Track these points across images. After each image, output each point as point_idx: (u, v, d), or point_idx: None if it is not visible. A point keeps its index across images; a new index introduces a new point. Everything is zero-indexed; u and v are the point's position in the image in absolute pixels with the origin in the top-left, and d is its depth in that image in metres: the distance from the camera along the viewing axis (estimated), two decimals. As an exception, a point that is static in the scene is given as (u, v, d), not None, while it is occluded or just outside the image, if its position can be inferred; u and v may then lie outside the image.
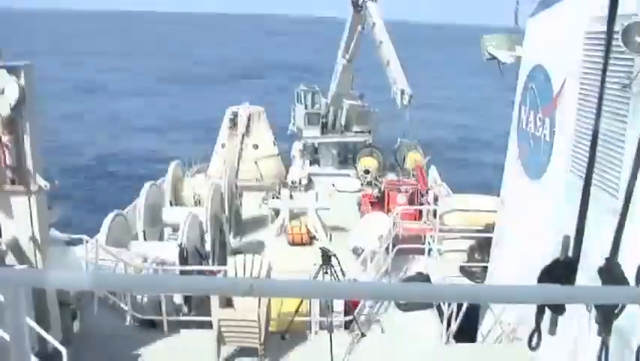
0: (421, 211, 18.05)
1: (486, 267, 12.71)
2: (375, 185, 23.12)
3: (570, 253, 3.50)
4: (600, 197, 6.89)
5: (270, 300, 10.11)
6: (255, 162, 23.33)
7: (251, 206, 20.55)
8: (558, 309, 3.33)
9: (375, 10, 21.65)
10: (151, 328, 11.16)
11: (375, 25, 21.39)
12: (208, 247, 14.47)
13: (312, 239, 18.06)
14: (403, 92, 19.58)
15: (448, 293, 2.50)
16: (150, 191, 15.45)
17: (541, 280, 3.43)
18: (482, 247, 13.32)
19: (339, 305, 11.53)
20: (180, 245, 12.57)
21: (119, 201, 17.91)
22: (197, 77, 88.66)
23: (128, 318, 11.09)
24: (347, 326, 11.55)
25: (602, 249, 3.44)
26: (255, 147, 23.58)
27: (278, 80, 74.58)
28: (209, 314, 10.22)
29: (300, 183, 23.33)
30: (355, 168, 25.49)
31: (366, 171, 24.49)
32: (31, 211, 8.68)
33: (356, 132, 26.53)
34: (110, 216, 13.09)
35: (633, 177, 3.35)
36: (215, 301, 9.85)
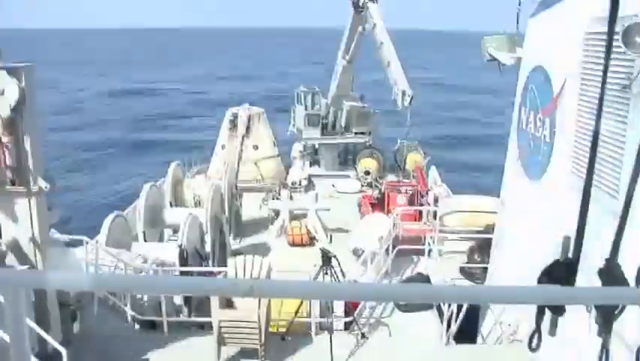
0: (421, 212, 18.05)
1: (486, 268, 12.71)
2: (376, 186, 23.12)
3: (570, 254, 3.50)
4: (600, 198, 6.89)
5: (270, 301, 10.11)
6: (255, 163, 23.33)
7: (251, 207, 20.55)
8: (558, 310, 3.32)
9: (376, 11, 21.62)
10: (151, 329, 11.16)
11: (376, 26, 21.37)
12: (208, 248, 14.46)
13: (312, 240, 18.06)
14: (403, 93, 19.57)
15: (448, 294, 2.50)
16: (150, 192, 15.44)
17: (541, 281, 3.43)
18: (482, 247, 13.32)
19: (339, 306, 11.53)
20: (180, 246, 12.57)
21: (119, 202, 17.91)
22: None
23: (129, 319, 11.08)
24: (347, 327, 11.54)
25: (602, 250, 3.43)
26: (255, 148, 23.59)
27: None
28: (209, 315, 10.22)
29: (300, 184, 23.33)
30: (355, 169, 25.48)
31: (367, 172, 24.48)
32: (31, 212, 8.68)
33: (356, 133, 26.50)
34: (110, 217, 13.08)
35: (633, 178, 3.35)
36: (215, 302, 9.85)
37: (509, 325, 10.45)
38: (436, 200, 18.49)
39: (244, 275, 10.41)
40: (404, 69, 20.33)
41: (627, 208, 3.44)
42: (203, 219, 14.54)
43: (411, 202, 19.05)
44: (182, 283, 2.39)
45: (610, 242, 3.44)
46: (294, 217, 18.99)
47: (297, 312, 10.92)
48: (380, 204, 19.59)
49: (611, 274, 3.36)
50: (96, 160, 41.55)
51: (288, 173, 24.33)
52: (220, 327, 9.75)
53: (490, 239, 12.75)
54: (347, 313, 11.57)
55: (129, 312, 11.05)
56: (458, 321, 10.88)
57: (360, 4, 22.27)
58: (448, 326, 10.86)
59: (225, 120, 24.03)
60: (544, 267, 3.44)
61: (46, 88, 61.76)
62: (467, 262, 13.56)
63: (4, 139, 8.36)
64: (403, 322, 11.95)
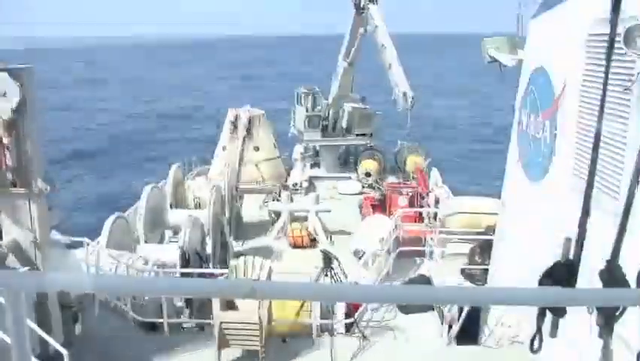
0: (422, 214, 18.04)
1: (487, 269, 12.69)
2: (377, 188, 23.11)
3: (571, 256, 3.50)
4: (601, 199, 6.88)
5: (271, 303, 10.11)
6: (256, 165, 23.30)
7: (252, 209, 20.56)
8: (559, 312, 3.32)
9: (377, 13, 21.65)
10: (152, 330, 11.15)
11: (377, 28, 21.39)
12: (209, 249, 14.47)
13: (312, 242, 18.05)
14: (404, 95, 19.59)
15: (450, 296, 2.50)
16: (151, 194, 15.45)
17: (542, 282, 3.43)
18: (483, 249, 13.30)
19: (340, 308, 11.53)
20: (181, 248, 12.58)
21: (120, 203, 17.93)
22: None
23: (130, 320, 11.08)
24: (348, 328, 11.53)
25: (603, 251, 3.43)
26: (256, 149, 23.54)
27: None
28: (210, 317, 10.22)
29: (300, 186, 23.33)
30: (356, 170, 25.47)
31: (368, 174, 24.47)
32: (31, 214, 8.68)
33: (357, 135, 26.49)
34: (111, 218, 13.09)
35: (635, 180, 3.34)
36: (216, 303, 9.84)
37: (510, 326, 10.44)
38: (437, 201, 18.50)
39: (245, 277, 10.41)
40: (405, 71, 20.37)
41: (628, 210, 3.43)
42: (204, 221, 14.54)
43: (412, 204, 19.05)
44: (183, 285, 2.39)
45: (611, 244, 3.43)
46: (294, 219, 18.99)
47: (298, 314, 10.92)
48: (381, 205, 19.60)
49: (611, 275, 3.36)
50: (97, 161, 41.56)
51: (288, 175, 24.32)
52: (221, 329, 9.75)
53: (491, 241, 12.73)
54: (348, 315, 11.56)
55: (130, 314, 11.05)
56: (459, 323, 10.87)
57: (362, 5, 22.29)
58: (450, 327, 10.85)
59: (226, 122, 24.02)
60: (545, 268, 3.44)
61: (46, 88, 61.80)
62: (468, 264, 13.54)
63: (5, 140, 8.38)
64: (405, 323, 11.95)
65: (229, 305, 10.15)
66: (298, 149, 26.20)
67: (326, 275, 10.87)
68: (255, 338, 9.75)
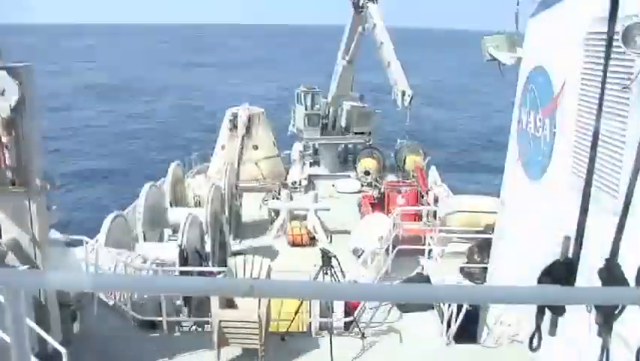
0: (421, 212, 18.05)
1: (486, 268, 12.71)
2: (376, 186, 23.12)
3: (570, 254, 3.50)
4: (600, 198, 6.89)
5: (270, 301, 10.12)
6: (255, 163, 23.32)
7: (251, 207, 20.55)
8: (558, 310, 3.32)
9: (376, 12, 21.65)
10: (151, 329, 11.16)
11: (376, 26, 21.39)
12: (208, 248, 14.46)
13: (312, 240, 18.06)
14: (403, 94, 19.60)
15: (448, 294, 2.50)
16: (150, 192, 15.44)
17: (541, 280, 3.43)
18: (482, 247, 13.31)
19: (339, 306, 11.53)
20: (180, 246, 12.57)
21: (119, 202, 17.91)
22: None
23: (129, 319, 11.08)
24: (347, 327, 11.54)
25: (602, 250, 3.43)
26: (255, 147, 23.57)
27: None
28: (209, 315, 10.22)
29: (300, 184, 23.33)
30: (355, 169, 25.48)
31: (367, 172, 24.48)
32: (31, 212, 8.68)
33: (356, 133, 26.51)
34: (110, 217, 13.08)
35: (633, 178, 3.34)
36: (215, 302, 9.85)
37: (509, 325, 10.45)
38: (436, 200, 18.51)
39: (244, 275, 10.42)
40: (404, 69, 20.37)
41: (627, 208, 3.43)
42: (203, 220, 14.54)
43: (411, 202, 19.05)
44: (182, 283, 2.39)
45: (610, 242, 3.43)
46: (294, 217, 18.99)
47: (297, 312, 10.93)
48: (380, 204, 19.60)
49: (611, 274, 3.36)
50: (96, 160, 41.54)
51: (288, 173, 24.32)
52: (220, 327, 9.75)
53: (490, 239, 12.74)
54: (347, 314, 11.57)
55: (129, 312, 11.05)
56: (458, 321, 10.88)
57: (360, 4, 22.30)
58: (448, 326, 10.86)
59: (225, 120, 24.03)
60: (544, 267, 3.44)
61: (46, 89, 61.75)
62: (467, 262, 13.55)
63: (4, 139, 8.37)
64: (403, 322, 11.95)
65: (228, 304, 10.16)
66: (297, 147, 26.21)
67: (325, 274, 10.87)
68: (254, 336, 9.76)
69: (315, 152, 27.33)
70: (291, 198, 20.36)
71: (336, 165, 26.79)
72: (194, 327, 11.87)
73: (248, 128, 23.51)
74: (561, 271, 3.43)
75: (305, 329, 11.21)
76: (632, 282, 3.37)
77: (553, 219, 8.38)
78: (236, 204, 19.04)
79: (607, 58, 3.59)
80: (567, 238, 3.51)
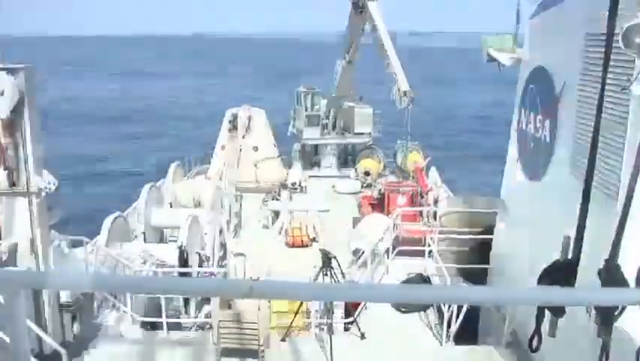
0: (421, 213, 18.03)
1: (486, 268, 12.70)
2: (375, 187, 23.11)
3: (570, 255, 3.50)
4: (600, 199, 6.89)
5: (270, 302, 10.11)
6: (255, 164, 23.32)
7: (251, 208, 20.54)
8: (558, 311, 3.33)
9: (376, 11, 21.62)
10: (151, 329, 11.15)
11: (377, 26, 21.39)
12: (208, 248, 14.46)
13: (311, 241, 18.04)
14: (403, 94, 19.59)
15: (448, 295, 2.50)
16: (150, 193, 15.43)
17: (541, 281, 3.43)
18: (482, 248, 13.30)
19: (339, 307, 11.52)
20: (180, 247, 12.56)
21: (119, 203, 17.89)
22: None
23: (128, 319, 11.08)
24: (347, 327, 11.53)
25: (602, 251, 3.44)
26: (255, 148, 23.57)
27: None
28: (209, 316, 10.21)
29: (300, 185, 23.32)
30: (355, 169, 25.46)
31: (367, 173, 24.46)
32: (31, 213, 8.68)
33: (356, 134, 26.50)
34: (110, 217, 13.08)
35: (633, 180, 3.35)
36: (215, 303, 9.86)
37: (508, 325, 10.44)
38: (436, 201, 18.49)
39: (244, 276, 10.42)
40: (404, 69, 20.36)
41: (627, 209, 3.44)
42: (203, 220, 14.53)
43: (411, 203, 19.05)
44: (182, 284, 2.39)
45: (609, 243, 3.44)
46: (293, 218, 18.98)
47: (296, 313, 10.92)
48: (380, 204, 19.59)
49: (610, 274, 3.36)
50: (96, 160, 41.53)
51: (287, 174, 24.33)
52: (220, 327, 9.75)
53: (490, 240, 12.74)
54: (347, 314, 11.56)
55: (129, 313, 11.05)
56: (458, 322, 10.88)
57: (360, 3, 22.28)
58: (448, 326, 10.85)
59: (225, 121, 24.04)
60: (545, 268, 3.45)
61: (49, 89, 61.80)
62: (467, 263, 13.54)
63: (4, 140, 8.37)
64: (403, 322, 11.94)
65: (228, 305, 10.16)
66: (297, 148, 26.19)
67: (325, 274, 10.86)
68: (253, 336, 9.76)
69: (315, 152, 27.32)
70: (291, 199, 20.36)
71: (336, 165, 26.78)
72: (194, 328, 11.87)
73: (248, 129, 23.52)
74: (561, 272, 3.44)
75: (305, 330, 11.20)
76: (631, 283, 3.38)
77: (554, 220, 8.38)
78: (236, 205, 19.04)
79: (607, 59, 3.60)
80: (567, 239, 3.51)
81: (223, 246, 15.93)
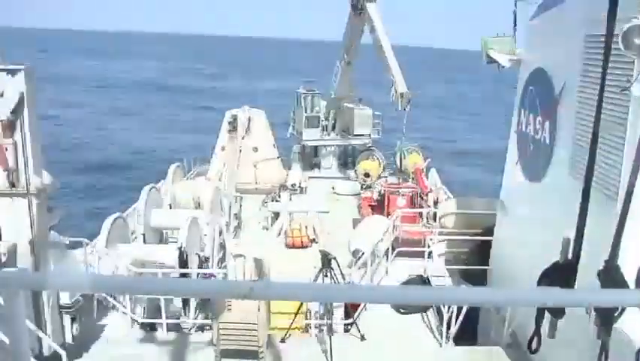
0: (420, 214, 18.04)
1: (486, 269, 12.71)
2: (375, 188, 23.09)
3: (570, 256, 3.50)
4: (600, 199, 6.89)
5: (269, 303, 10.11)
6: (255, 165, 23.31)
7: (250, 209, 20.53)
8: (558, 312, 3.33)
9: (375, 12, 21.64)
10: (151, 330, 11.15)
11: (375, 27, 21.40)
12: (208, 249, 14.45)
13: (311, 242, 18.02)
14: (402, 95, 19.60)
15: (448, 296, 2.50)
16: (150, 194, 15.43)
17: (540, 282, 3.43)
18: (482, 249, 13.31)
19: (339, 308, 11.52)
20: (180, 248, 12.56)
21: (119, 204, 17.90)
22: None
23: (128, 321, 11.07)
24: (347, 328, 11.53)
25: (602, 252, 3.43)
26: (255, 149, 23.56)
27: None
28: (209, 317, 10.20)
29: (299, 186, 23.31)
30: (355, 171, 25.45)
31: (366, 174, 24.45)
32: (30, 214, 8.68)
33: (356, 135, 26.49)
34: (110, 218, 13.08)
35: (633, 180, 3.35)
36: (215, 304, 9.85)
37: (508, 326, 10.45)
38: (435, 202, 18.50)
39: (244, 277, 10.42)
40: (402, 71, 20.37)
41: (626, 210, 3.44)
42: (203, 221, 14.52)
43: (410, 204, 19.05)
44: (182, 285, 2.39)
45: (609, 244, 3.44)
46: (293, 219, 18.96)
47: (296, 314, 10.92)
48: (380, 206, 19.59)
49: (610, 276, 3.36)
50: (96, 161, 41.53)
51: (287, 175, 24.31)
52: (219, 329, 9.75)
53: (490, 241, 12.74)
54: (347, 315, 11.56)
55: (129, 314, 11.05)
56: (458, 323, 10.88)
57: (359, 5, 22.29)
58: (448, 327, 10.86)
59: (224, 122, 24.04)
60: (544, 269, 3.45)
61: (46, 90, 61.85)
62: (467, 264, 13.55)
63: (4, 140, 8.37)
64: (403, 323, 11.95)
65: (228, 306, 10.16)
66: (297, 149, 26.18)
67: (325, 275, 10.86)
68: (253, 338, 9.75)
69: (315, 154, 27.31)
70: (291, 200, 20.34)
71: (336, 167, 26.77)
72: (194, 329, 11.86)
73: (247, 130, 23.51)
74: (561, 273, 3.44)
75: (305, 331, 11.20)
76: (631, 284, 3.38)
77: (553, 221, 8.38)
78: (235, 206, 19.03)
79: (606, 60, 3.60)
80: (567, 240, 3.51)
81: (223, 247, 15.92)
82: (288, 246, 17.86)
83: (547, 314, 3.54)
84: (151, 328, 11.21)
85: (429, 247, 14.56)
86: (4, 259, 8.65)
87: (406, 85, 20.08)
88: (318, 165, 26.92)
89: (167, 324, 10.83)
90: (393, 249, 14.71)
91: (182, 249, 12.57)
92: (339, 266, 11.50)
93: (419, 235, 16.04)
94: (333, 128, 26.66)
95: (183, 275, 11.95)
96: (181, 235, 13.02)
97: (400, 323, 12.02)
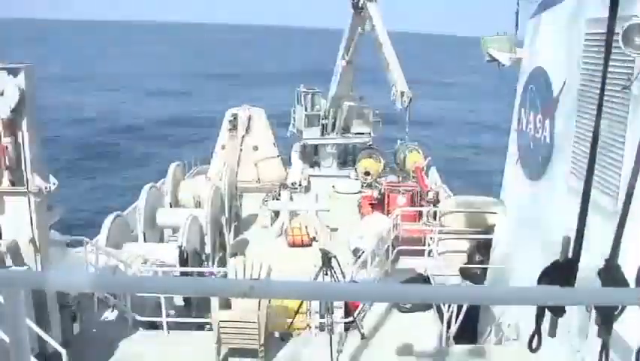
0: (421, 213, 18.04)
1: (486, 268, 12.71)
2: (375, 187, 23.10)
3: (570, 255, 3.50)
4: (600, 198, 6.89)
5: (269, 301, 10.12)
6: (255, 164, 23.32)
7: (251, 207, 20.54)
8: (558, 311, 3.32)
9: (376, 11, 21.63)
10: (151, 329, 11.15)
11: (376, 26, 21.40)
12: (208, 248, 14.46)
13: (312, 241, 18.04)
14: (402, 94, 19.60)
15: (448, 295, 2.50)
16: (150, 193, 15.44)
17: (540, 281, 3.43)
18: (482, 248, 13.32)
19: (339, 307, 11.52)
20: (180, 247, 12.57)
21: (120, 202, 17.89)
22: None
23: (129, 319, 11.08)
24: (347, 327, 11.53)
25: (602, 250, 3.43)
26: (255, 148, 23.58)
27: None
28: (209, 316, 10.20)
29: (299, 185, 23.32)
30: (355, 169, 25.46)
31: (366, 173, 24.47)
32: (30, 213, 8.68)
33: (356, 134, 26.49)
34: (110, 217, 13.09)
35: (633, 179, 3.34)
36: (215, 302, 9.85)
37: (509, 325, 10.45)
38: (436, 201, 18.51)
39: (244, 276, 10.42)
40: (403, 70, 20.36)
41: (627, 209, 3.43)
42: (203, 220, 14.54)
43: (411, 203, 19.05)
44: (182, 284, 2.39)
45: (609, 243, 3.44)
46: (293, 218, 18.98)
47: (296, 312, 10.92)
48: (380, 204, 19.59)
49: (610, 274, 3.36)
50: (96, 160, 41.53)
51: (287, 174, 24.32)
52: (220, 327, 9.75)
53: (490, 240, 12.75)
54: (347, 314, 11.56)
55: (129, 313, 11.05)
56: (458, 321, 10.88)
57: (360, 4, 22.28)
58: (448, 326, 10.86)
59: (225, 121, 24.04)
60: (544, 267, 3.44)
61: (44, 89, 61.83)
62: (467, 263, 13.55)
63: (4, 139, 8.37)
64: (403, 322, 11.95)
65: (228, 304, 10.16)
66: (297, 148, 26.19)
67: (325, 274, 10.86)
68: (253, 336, 9.76)
69: (315, 152, 27.30)
70: (291, 199, 20.36)
71: (336, 165, 26.77)
72: (194, 327, 11.88)
73: (248, 129, 23.53)
74: (561, 272, 3.43)
75: (305, 330, 11.20)
76: (631, 283, 3.38)
77: (553, 220, 8.39)
78: (236, 205, 19.03)
79: (606, 58, 3.60)
80: (567, 239, 3.51)
81: (223, 246, 15.94)
82: (288, 244, 17.89)
83: (547, 313, 3.54)
84: (151, 326, 11.22)
85: (429, 245, 14.57)
86: (4, 257, 8.66)
87: (407, 85, 20.07)
88: (318, 164, 26.92)
89: (168, 323, 10.84)
90: (393, 247, 14.72)
91: (183, 248, 12.58)
92: (339, 265, 11.50)
93: (419, 234, 16.05)
94: (334, 126, 26.66)
95: (184, 274, 11.97)
96: (181, 234, 13.04)
97: (400, 321, 12.03)
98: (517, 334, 10.22)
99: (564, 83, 8.80)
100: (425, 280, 13.65)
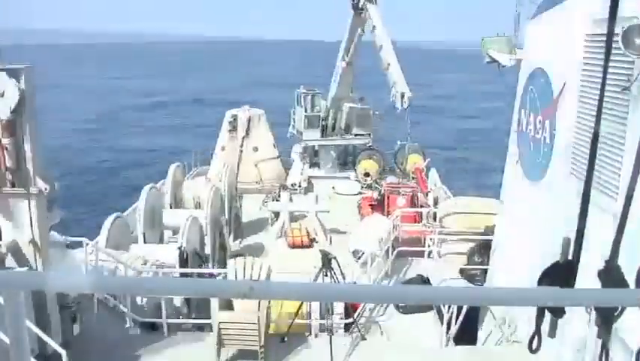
0: (420, 214, 18.05)
1: (486, 269, 12.71)
2: (375, 188, 23.10)
3: (570, 256, 3.50)
4: (600, 199, 6.89)
5: (269, 302, 10.12)
6: (255, 165, 23.32)
7: (251, 209, 20.54)
8: (558, 312, 3.33)
9: (376, 13, 21.66)
10: (151, 330, 11.15)
11: (376, 28, 21.41)
12: (208, 249, 14.45)
13: (312, 242, 18.04)
14: (402, 95, 19.60)
15: (448, 296, 2.50)
16: (150, 194, 15.43)
17: (540, 282, 3.43)
18: (482, 249, 13.31)
19: (339, 308, 11.53)
20: (180, 248, 12.56)
21: (120, 204, 17.88)
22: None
23: (128, 321, 11.07)
24: (347, 328, 11.54)
25: (602, 251, 3.43)
26: (255, 149, 23.58)
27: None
28: (209, 317, 10.19)
29: (300, 186, 23.32)
30: (355, 170, 25.46)
31: (366, 174, 24.47)
32: (30, 214, 8.67)
33: (356, 135, 26.50)
34: (110, 218, 13.08)
35: (633, 180, 3.34)
36: (215, 303, 9.86)
37: (509, 326, 10.45)
38: (436, 202, 18.51)
39: (244, 277, 10.41)
40: (403, 71, 20.37)
41: (627, 210, 3.43)
42: (203, 221, 14.53)
43: (411, 204, 19.06)
44: (182, 285, 2.39)
45: (609, 244, 3.44)
46: (293, 219, 18.98)
47: (296, 313, 10.92)
48: (380, 205, 19.60)
49: (610, 275, 3.36)
50: (96, 160, 41.55)
51: (287, 175, 24.32)
52: (220, 328, 9.75)
53: (490, 241, 12.74)
54: (347, 315, 11.57)
55: (129, 314, 11.05)
56: (458, 323, 10.88)
57: (360, 5, 22.30)
58: (448, 327, 10.86)
59: (225, 122, 24.04)
60: (544, 268, 3.45)
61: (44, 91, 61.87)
62: (467, 264, 13.55)
63: (4, 141, 8.37)
64: (403, 323, 11.96)
65: (228, 305, 10.16)
66: (297, 149, 26.20)
67: (325, 275, 10.86)
68: (254, 337, 9.75)
69: (315, 153, 27.30)
70: (291, 200, 20.36)
71: (336, 166, 26.77)
72: (194, 329, 11.87)
73: (248, 130, 23.53)
74: (561, 273, 3.43)
75: (305, 331, 11.20)
76: (631, 284, 3.38)
77: (553, 221, 8.38)
78: (236, 206, 19.01)
79: (606, 59, 3.60)
80: (567, 240, 3.51)
81: (223, 247, 15.92)
82: (288, 245, 17.89)
83: (547, 314, 3.54)
84: (151, 327, 11.21)
85: (429, 246, 14.57)
86: (4, 258, 8.66)
87: (408, 86, 20.07)
88: (318, 165, 26.92)
89: (168, 324, 10.83)
90: (393, 248, 14.72)
91: (183, 249, 12.58)
92: (339, 266, 11.50)
93: (419, 235, 16.06)
94: (334, 127, 26.67)
95: (184, 275, 11.96)
96: (181, 235, 13.04)
97: (400, 322, 12.03)
98: (517, 335, 10.22)
99: (564, 84, 8.80)
100: (425, 281, 13.66)
